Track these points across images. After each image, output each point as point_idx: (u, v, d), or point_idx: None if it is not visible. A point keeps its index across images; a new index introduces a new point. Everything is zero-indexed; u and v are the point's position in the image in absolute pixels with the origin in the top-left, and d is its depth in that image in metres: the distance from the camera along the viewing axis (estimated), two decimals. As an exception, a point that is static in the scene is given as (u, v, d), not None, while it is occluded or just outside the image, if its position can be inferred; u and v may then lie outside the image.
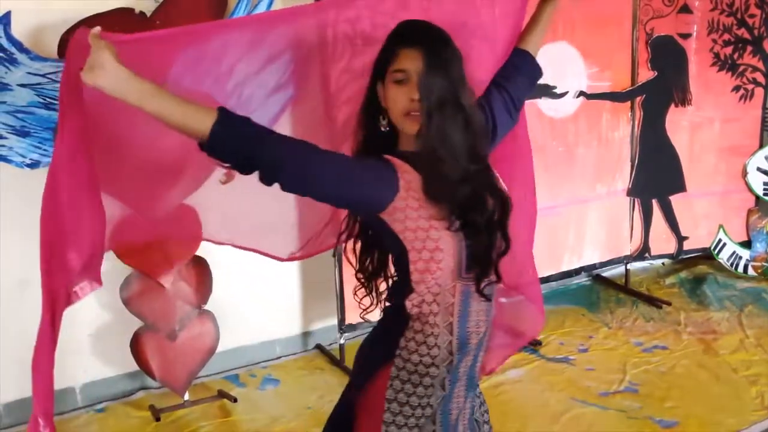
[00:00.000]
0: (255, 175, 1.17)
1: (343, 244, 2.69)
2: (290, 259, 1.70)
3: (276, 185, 1.17)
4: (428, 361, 1.24)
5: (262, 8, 2.52)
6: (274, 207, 1.52)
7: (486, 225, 1.24)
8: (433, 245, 1.21)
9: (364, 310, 1.44)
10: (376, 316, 1.44)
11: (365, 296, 1.41)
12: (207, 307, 2.58)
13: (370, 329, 2.92)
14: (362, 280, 1.40)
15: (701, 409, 2.47)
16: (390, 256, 1.35)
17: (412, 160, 1.23)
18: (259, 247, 1.67)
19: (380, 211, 1.21)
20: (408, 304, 1.24)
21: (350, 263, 1.44)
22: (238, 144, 1.12)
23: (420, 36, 1.25)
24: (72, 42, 1.19)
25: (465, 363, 1.29)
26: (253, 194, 1.31)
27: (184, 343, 2.48)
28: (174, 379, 2.48)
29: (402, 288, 1.26)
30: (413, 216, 1.20)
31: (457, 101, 1.22)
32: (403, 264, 1.24)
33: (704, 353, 2.88)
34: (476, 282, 1.25)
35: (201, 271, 2.52)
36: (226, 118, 1.12)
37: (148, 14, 2.27)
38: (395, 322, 1.27)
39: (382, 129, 1.28)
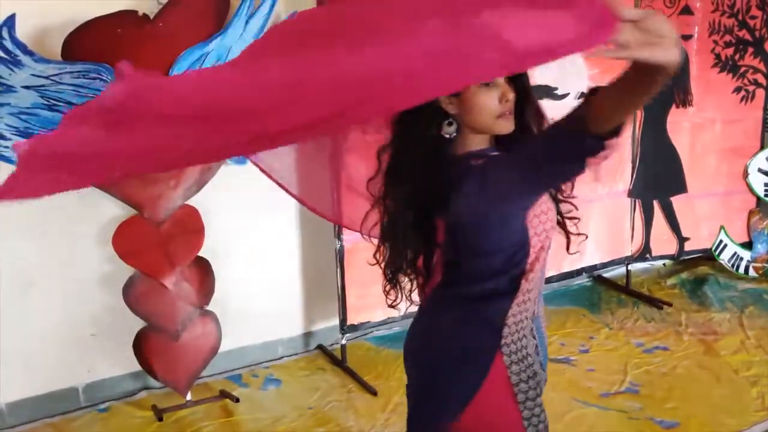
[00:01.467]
0: None
1: (345, 245, 2.72)
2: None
3: None
4: (523, 334, 1.31)
5: (264, 10, 2.54)
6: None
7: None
8: (549, 225, 1.28)
9: (391, 303, 1.43)
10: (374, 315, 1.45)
11: (391, 289, 1.41)
12: (209, 307, 2.59)
13: (373, 329, 2.96)
14: (389, 275, 1.40)
15: (702, 409, 2.47)
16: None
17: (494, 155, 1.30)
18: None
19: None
20: (524, 284, 1.27)
21: (378, 263, 1.41)
22: None
23: None
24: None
25: (542, 331, 1.37)
26: None
27: (187, 344, 2.49)
28: (176, 380, 2.49)
29: (504, 274, 1.28)
30: (538, 202, 1.27)
31: None
32: (521, 251, 1.26)
33: (705, 354, 2.88)
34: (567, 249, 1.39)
35: (203, 271, 2.53)
36: None
37: (151, 16, 2.28)
38: (492, 310, 1.29)
39: (448, 136, 1.28)
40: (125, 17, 2.19)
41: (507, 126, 1.26)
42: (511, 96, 1.23)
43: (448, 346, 1.34)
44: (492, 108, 1.23)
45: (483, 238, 1.27)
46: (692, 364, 2.78)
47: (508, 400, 1.29)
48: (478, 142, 1.29)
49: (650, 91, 0.94)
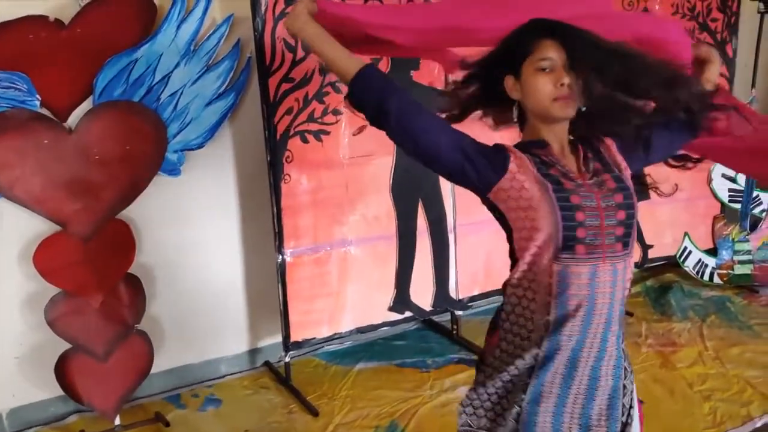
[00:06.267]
0: None
1: (286, 259, 2.62)
2: None
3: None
4: (525, 334, 1.32)
5: (197, 14, 2.43)
6: None
7: None
8: (534, 215, 1.30)
9: None
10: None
11: None
12: (150, 323, 2.47)
13: (318, 345, 2.85)
14: None
15: (651, 426, 2.35)
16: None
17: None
18: None
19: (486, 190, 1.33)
20: (510, 276, 1.34)
21: None
22: (375, 87, 1.33)
23: (554, 27, 1.33)
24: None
25: (566, 346, 1.30)
26: None
27: (116, 365, 2.36)
28: (103, 404, 2.36)
29: (512, 262, 1.36)
30: (515, 196, 1.29)
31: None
32: (510, 239, 1.35)
33: (661, 367, 2.80)
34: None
35: (133, 289, 2.41)
36: (371, 67, 1.34)
37: (67, 21, 2.15)
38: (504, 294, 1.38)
39: (515, 120, 1.40)
40: (35, 22, 2.06)
41: (564, 110, 1.30)
42: (567, 80, 1.27)
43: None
44: (547, 92, 1.29)
45: None
46: (647, 377, 2.69)
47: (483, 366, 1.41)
48: (534, 131, 1.36)
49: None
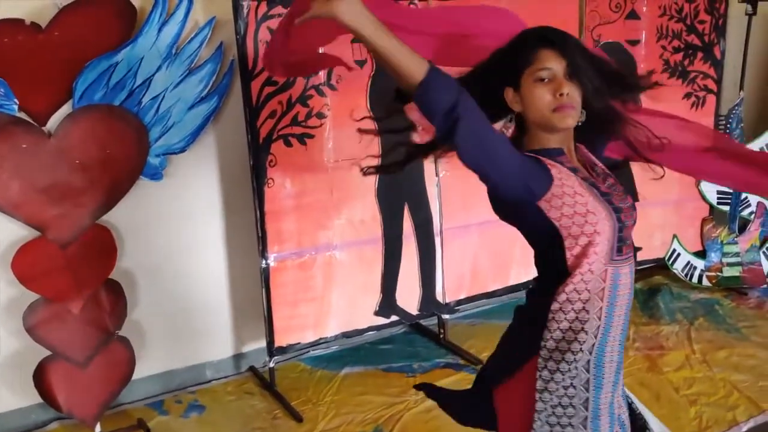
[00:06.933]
0: None
1: (270, 263, 2.60)
2: None
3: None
4: (576, 347, 1.29)
5: (179, 17, 2.41)
6: None
7: None
8: (594, 220, 1.27)
9: None
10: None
11: None
12: (133, 329, 2.45)
13: (303, 350, 2.83)
14: None
15: (639, 432, 2.37)
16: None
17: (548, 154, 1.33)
18: None
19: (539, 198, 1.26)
20: (559, 290, 1.29)
21: None
22: (446, 90, 1.17)
23: (552, 35, 1.31)
24: None
25: (611, 347, 1.32)
26: None
27: (96, 372, 2.33)
28: (83, 411, 2.33)
29: (549, 276, 1.30)
30: (570, 202, 1.25)
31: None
32: (556, 251, 1.27)
33: (648, 371, 2.78)
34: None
35: (114, 295, 2.39)
36: (437, 68, 1.19)
37: (44, 24, 2.13)
38: (540, 310, 1.31)
39: (510, 132, 1.38)
40: (11, 26, 2.04)
41: (564, 120, 1.28)
42: (566, 90, 1.26)
43: (513, 336, 1.43)
44: (546, 102, 1.28)
45: (521, 229, 1.34)
46: (633, 381, 2.67)
47: (525, 403, 1.31)
48: (541, 140, 1.33)
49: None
